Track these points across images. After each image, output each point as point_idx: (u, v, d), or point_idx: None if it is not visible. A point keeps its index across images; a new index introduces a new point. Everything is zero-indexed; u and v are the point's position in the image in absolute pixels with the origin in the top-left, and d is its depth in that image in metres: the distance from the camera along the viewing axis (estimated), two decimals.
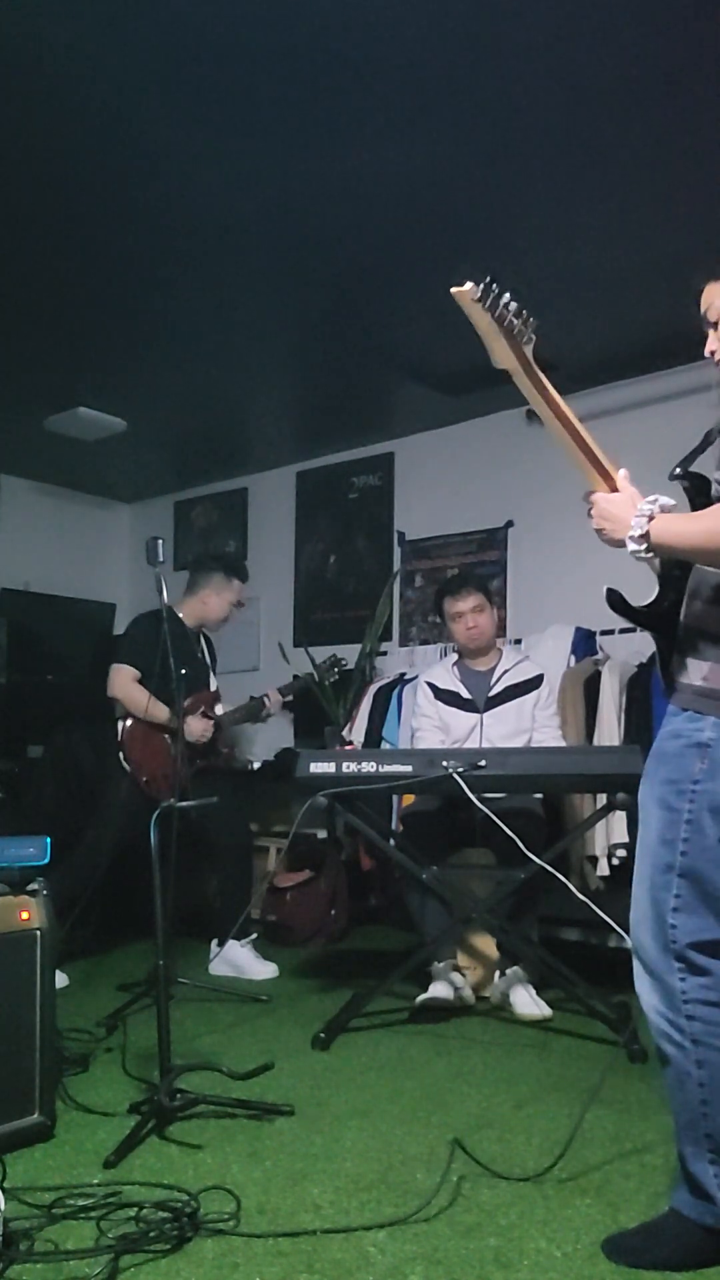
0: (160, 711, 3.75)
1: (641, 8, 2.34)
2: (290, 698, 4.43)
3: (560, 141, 2.86)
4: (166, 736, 3.78)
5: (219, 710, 4.11)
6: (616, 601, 1.77)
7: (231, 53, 2.50)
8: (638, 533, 1.66)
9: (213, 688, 4.13)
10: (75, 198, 3.16)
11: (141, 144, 2.88)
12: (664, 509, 1.67)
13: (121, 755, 3.86)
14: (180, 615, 4.01)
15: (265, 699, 4.25)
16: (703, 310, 1.77)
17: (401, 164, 2.97)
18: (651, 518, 1.66)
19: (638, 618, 1.78)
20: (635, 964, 1.77)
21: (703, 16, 2.37)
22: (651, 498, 1.69)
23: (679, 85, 2.62)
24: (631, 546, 1.67)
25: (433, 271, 3.55)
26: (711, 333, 1.77)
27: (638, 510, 1.67)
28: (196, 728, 3.86)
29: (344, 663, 4.74)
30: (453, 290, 1.60)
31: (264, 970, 3.85)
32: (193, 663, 3.90)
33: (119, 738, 3.89)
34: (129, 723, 3.87)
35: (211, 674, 4.15)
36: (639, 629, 1.85)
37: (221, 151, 2.91)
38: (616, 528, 1.70)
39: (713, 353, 1.78)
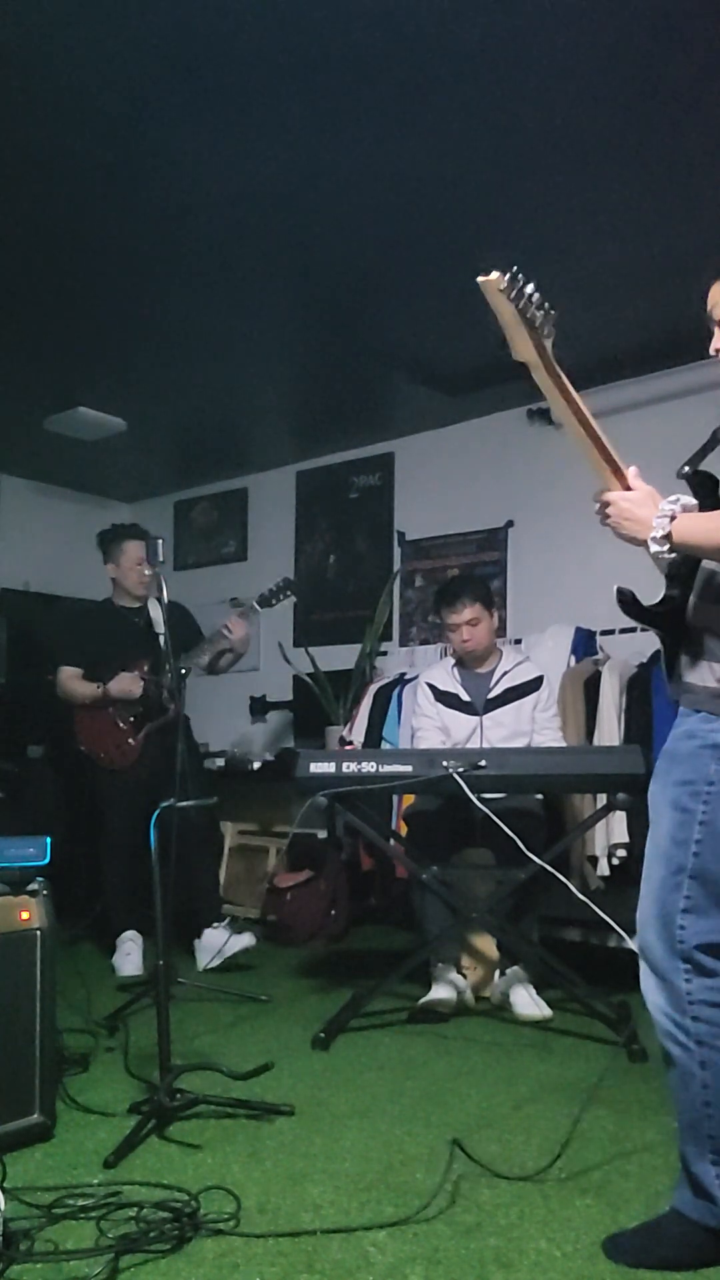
0: (79, 688, 3.99)
1: (643, 9, 2.34)
2: (261, 609, 3.90)
3: (561, 142, 2.86)
4: (110, 709, 3.97)
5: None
6: (627, 599, 1.76)
7: (233, 53, 2.50)
8: (660, 533, 1.65)
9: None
10: (76, 198, 3.16)
11: (142, 144, 2.88)
12: (685, 508, 1.67)
13: (80, 747, 4.06)
14: (114, 600, 4.17)
15: (225, 628, 3.87)
16: (709, 308, 1.77)
17: (402, 163, 2.97)
18: (673, 517, 1.65)
19: (648, 616, 1.77)
20: (641, 964, 1.76)
21: (704, 18, 2.37)
22: (673, 497, 1.68)
23: (680, 85, 2.61)
24: (654, 547, 1.66)
25: (433, 271, 3.55)
26: (717, 330, 1.77)
27: (659, 510, 1.66)
28: (124, 683, 3.93)
29: (292, 585, 4.01)
30: (479, 279, 1.57)
31: (242, 940, 3.87)
32: (121, 640, 4.04)
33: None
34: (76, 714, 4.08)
35: (160, 640, 3.73)
36: (643, 629, 1.84)
37: (222, 151, 2.91)
38: (638, 527, 1.69)
39: (717, 351, 1.78)
